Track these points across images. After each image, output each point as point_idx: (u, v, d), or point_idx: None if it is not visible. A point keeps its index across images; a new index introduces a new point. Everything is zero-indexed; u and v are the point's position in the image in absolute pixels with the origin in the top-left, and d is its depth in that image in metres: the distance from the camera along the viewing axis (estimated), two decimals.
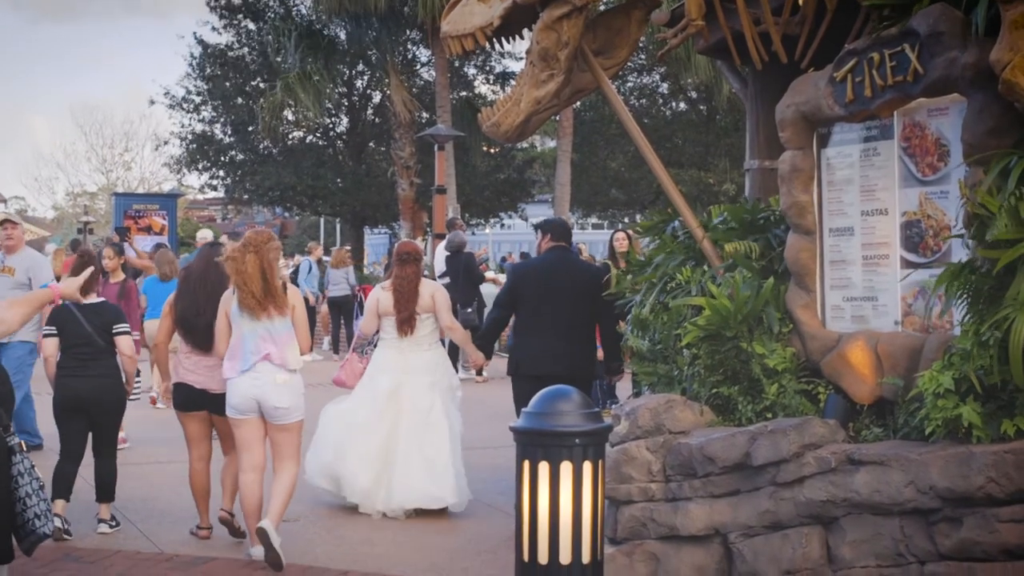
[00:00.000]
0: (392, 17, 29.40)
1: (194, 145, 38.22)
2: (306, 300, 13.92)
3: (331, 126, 38.68)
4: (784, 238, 7.30)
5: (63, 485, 8.69)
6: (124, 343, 8.94)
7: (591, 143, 37.11)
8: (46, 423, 11.62)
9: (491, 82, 37.96)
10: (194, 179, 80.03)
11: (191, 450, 8.77)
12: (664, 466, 6.83)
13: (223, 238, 18.53)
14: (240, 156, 38.42)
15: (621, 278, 8.69)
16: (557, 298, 9.30)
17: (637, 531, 6.84)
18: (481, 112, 8.39)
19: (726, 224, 7.85)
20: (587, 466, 5.05)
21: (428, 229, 29.95)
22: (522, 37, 8.21)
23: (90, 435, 8.91)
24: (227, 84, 37.15)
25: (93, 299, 8.94)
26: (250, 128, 36.58)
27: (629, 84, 36.97)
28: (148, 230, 32.76)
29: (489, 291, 19.94)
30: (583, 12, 7.61)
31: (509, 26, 7.92)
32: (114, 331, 8.90)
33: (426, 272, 10.83)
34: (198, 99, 38.06)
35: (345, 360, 10.44)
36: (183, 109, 38.23)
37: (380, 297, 9.81)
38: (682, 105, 38.13)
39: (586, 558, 5.06)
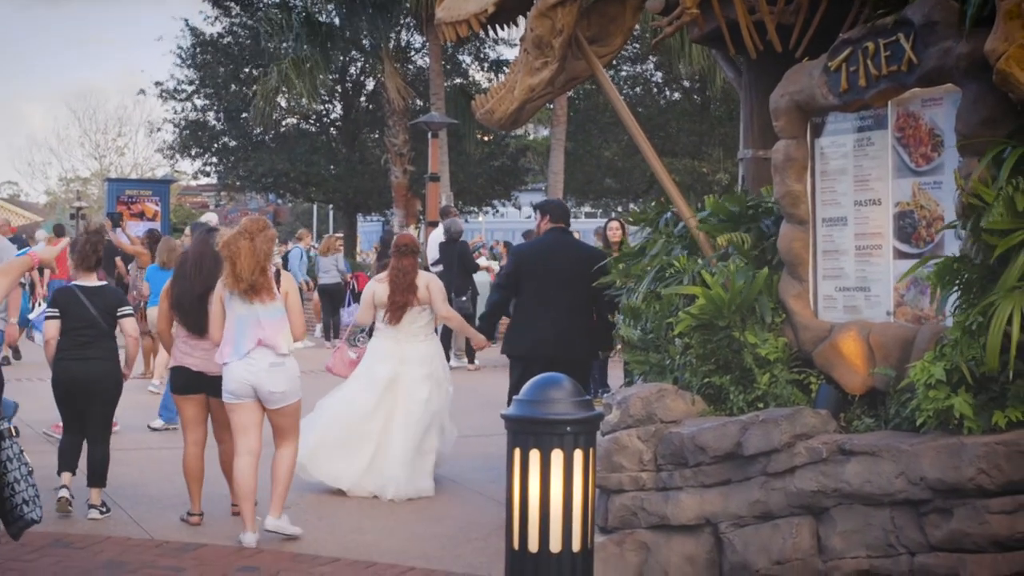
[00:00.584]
0: (386, 4, 29.34)
1: (187, 131, 38.15)
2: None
3: (324, 113, 38.61)
4: (775, 228, 7.29)
5: (69, 458, 8.81)
6: (128, 325, 9.00)
7: (585, 131, 37.06)
8: (36, 410, 11.62)
9: (485, 69, 37.91)
10: (187, 165, 79.93)
11: (186, 434, 8.79)
12: (655, 455, 6.82)
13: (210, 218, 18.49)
14: (233, 143, 38.36)
15: (613, 267, 8.69)
16: (557, 280, 9.39)
17: (628, 520, 6.84)
18: (475, 100, 8.39)
19: (716, 217, 7.83)
20: (578, 454, 5.04)
21: (421, 217, 29.93)
22: (516, 24, 8.19)
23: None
24: (220, 70, 37.05)
25: (95, 281, 8.98)
26: (243, 115, 36.52)
27: (623, 73, 36.91)
28: (141, 216, 32.73)
29: (483, 279, 19.96)
30: (578, 0, 7.59)
31: (504, 13, 7.91)
32: (118, 314, 8.96)
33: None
34: (190, 88, 37.97)
35: (337, 348, 10.57)
36: (175, 99, 38.16)
37: (376, 289, 9.94)
38: (676, 94, 38.09)
39: (576, 547, 5.05)
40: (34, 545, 7.70)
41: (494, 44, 36.76)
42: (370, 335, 10.43)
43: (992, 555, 5.63)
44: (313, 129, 38.75)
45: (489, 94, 8.18)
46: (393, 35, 33.16)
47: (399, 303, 9.75)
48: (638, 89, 37.69)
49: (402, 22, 33.53)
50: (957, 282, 5.94)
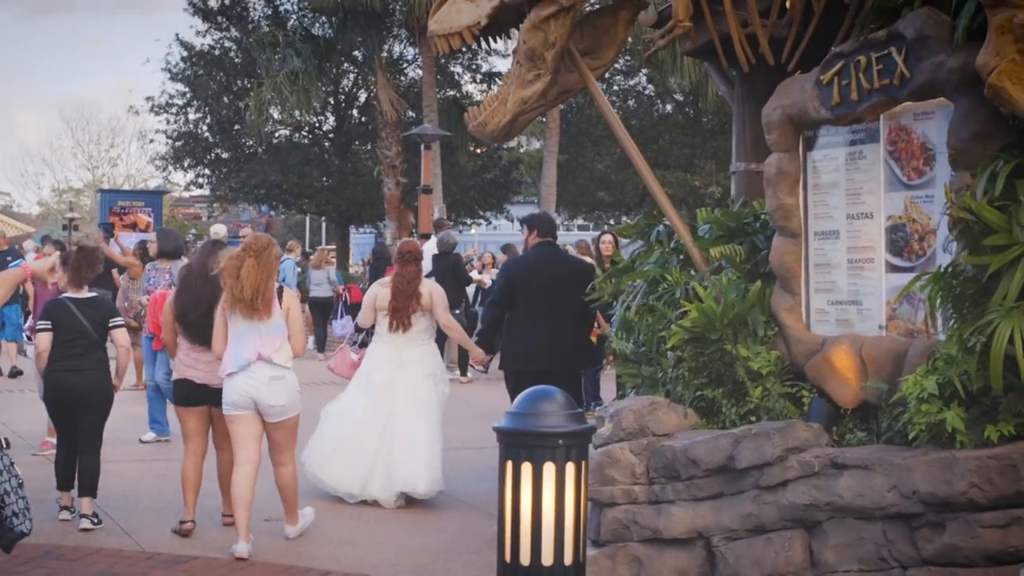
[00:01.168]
0: (379, 16, 29.35)
1: (180, 143, 38.11)
2: None
3: (317, 124, 38.59)
4: (768, 241, 7.29)
5: (67, 474, 8.91)
6: (120, 336, 9.10)
7: (578, 144, 37.07)
8: (27, 421, 11.60)
9: (478, 81, 37.93)
10: (180, 177, 79.96)
11: (187, 444, 8.86)
12: (647, 468, 6.82)
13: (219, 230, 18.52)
14: (226, 154, 38.32)
15: (605, 281, 8.71)
16: (548, 293, 9.51)
17: (620, 533, 6.83)
18: (467, 112, 8.39)
19: (711, 232, 7.84)
20: (570, 467, 5.03)
21: (414, 229, 29.90)
22: (509, 36, 8.20)
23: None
24: (211, 84, 37.02)
25: (87, 293, 9.03)
26: (236, 127, 36.50)
27: (615, 88, 36.93)
28: (133, 227, 32.66)
29: (473, 292, 19.97)
30: (570, 12, 7.60)
31: (496, 25, 7.91)
32: (110, 324, 9.05)
33: None
34: (181, 102, 37.92)
35: (339, 349, 10.81)
36: (167, 112, 38.13)
37: (379, 293, 10.11)
38: (668, 107, 38.12)
39: (568, 560, 5.04)
40: (26, 557, 7.68)
41: (487, 56, 36.80)
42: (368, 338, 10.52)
43: (984, 569, 5.62)
44: (306, 141, 38.71)
45: (482, 106, 8.18)
46: (386, 47, 33.19)
47: (401, 309, 9.88)
48: (630, 102, 37.69)
49: (395, 34, 33.56)
50: (950, 293, 5.93)
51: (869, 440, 6.41)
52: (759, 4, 7.89)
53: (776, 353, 6.98)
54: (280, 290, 8.41)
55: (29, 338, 12.76)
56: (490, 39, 8.10)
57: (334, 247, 34.00)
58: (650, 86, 37.29)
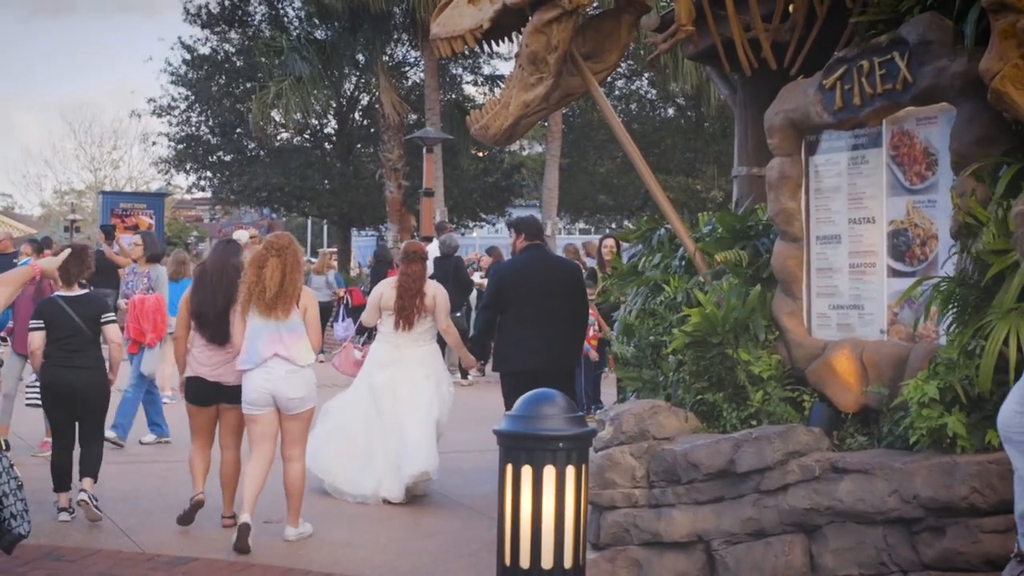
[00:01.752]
0: (381, 19, 29.34)
1: (182, 146, 38.11)
2: None
3: (319, 127, 38.57)
4: (771, 246, 7.29)
5: (64, 475, 8.95)
6: (112, 331, 9.20)
7: (580, 148, 37.05)
8: (25, 421, 11.59)
9: (480, 84, 37.90)
10: (182, 179, 79.99)
11: (195, 439, 8.96)
12: (648, 472, 6.81)
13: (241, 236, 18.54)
14: (228, 157, 38.30)
15: (610, 285, 8.76)
16: (539, 295, 9.61)
17: (620, 537, 6.82)
18: (470, 115, 8.40)
19: (715, 233, 7.84)
20: (570, 470, 5.03)
21: (416, 232, 29.89)
22: (512, 40, 8.20)
23: (76, 425, 9.10)
24: (213, 88, 37.02)
25: (78, 291, 9.10)
26: (238, 130, 36.49)
27: (617, 92, 36.92)
28: (135, 229, 32.63)
29: (476, 296, 19.96)
30: (573, 16, 7.60)
31: (499, 28, 7.91)
32: (102, 320, 9.14)
33: None
34: (183, 105, 37.93)
35: (343, 347, 10.90)
36: (169, 114, 38.12)
37: (384, 292, 10.23)
38: (670, 111, 38.11)
39: (568, 563, 5.03)
40: (25, 558, 7.67)
41: (489, 59, 36.77)
42: (371, 337, 10.62)
43: (985, 574, 5.62)
44: (308, 144, 38.67)
45: (484, 109, 8.19)
46: (388, 50, 33.18)
47: (407, 307, 10.00)
48: (632, 106, 37.68)
49: (397, 37, 33.55)
50: (953, 298, 5.93)
51: (870, 444, 6.41)
52: (762, 8, 7.89)
53: (777, 357, 6.98)
54: (299, 290, 8.53)
55: (4, 339, 12.76)
56: (492, 42, 8.11)
57: (335, 250, 33.99)
58: (652, 90, 37.28)
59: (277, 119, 33.35)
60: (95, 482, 9.01)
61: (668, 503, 6.70)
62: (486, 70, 37.36)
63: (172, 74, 37.37)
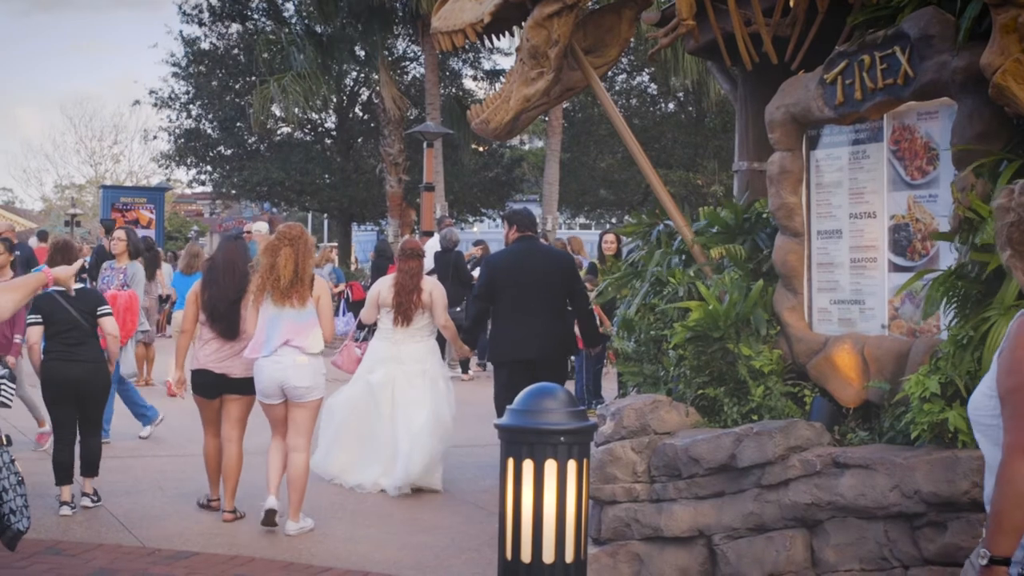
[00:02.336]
0: (382, 13, 29.33)
1: (182, 140, 38.11)
2: None
3: (319, 122, 38.56)
4: (771, 241, 7.29)
5: (67, 469, 8.98)
6: (108, 324, 9.26)
7: (580, 143, 37.07)
8: (26, 415, 11.59)
9: (480, 79, 37.91)
10: (182, 174, 79.93)
11: (207, 431, 9.11)
12: (649, 467, 6.81)
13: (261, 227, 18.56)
14: (228, 151, 38.31)
15: (607, 278, 8.76)
16: (530, 285, 9.72)
17: (621, 531, 6.83)
18: (470, 109, 8.40)
19: (712, 228, 7.84)
20: (572, 465, 5.02)
21: (416, 226, 29.89)
22: (512, 34, 8.20)
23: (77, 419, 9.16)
24: (213, 83, 37.01)
25: (75, 285, 9.13)
26: (238, 124, 36.49)
27: (618, 87, 36.90)
28: (135, 223, 32.67)
29: None
30: (574, 10, 7.59)
31: (499, 23, 7.91)
32: (98, 313, 9.20)
33: None
34: (184, 97, 37.94)
35: (344, 346, 10.91)
36: (170, 107, 38.13)
37: (382, 289, 10.35)
38: (671, 106, 38.10)
39: (569, 557, 5.03)
40: (27, 552, 7.67)
41: (490, 53, 36.76)
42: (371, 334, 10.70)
43: None
44: (308, 138, 38.67)
45: (485, 104, 8.19)
46: (389, 45, 33.16)
47: (404, 304, 10.10)
48: (633, 101, 37.68)
49: (397, 32, 33.53)
50: (954, 293, 5.93)
51: (871, 439, 6.41)
52: (763, 3, 7.88)
53: (778, 352, 6.98)
54: (311, 278, 8.63)
55: None
56: (493, 37, 8.10)
57: (336, 244, 34.00)
58: (653, 85, 37.27)
59: (278, 113, 33.34)
60: (95, 477, 9.07)
61: (669, 498, 6.70)
62: (486, 65, 37.41)
63: (175, 65, 37.39)
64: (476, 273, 21.34)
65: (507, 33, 8.17)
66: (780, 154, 7.08)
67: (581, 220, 50.58)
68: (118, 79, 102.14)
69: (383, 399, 10.11)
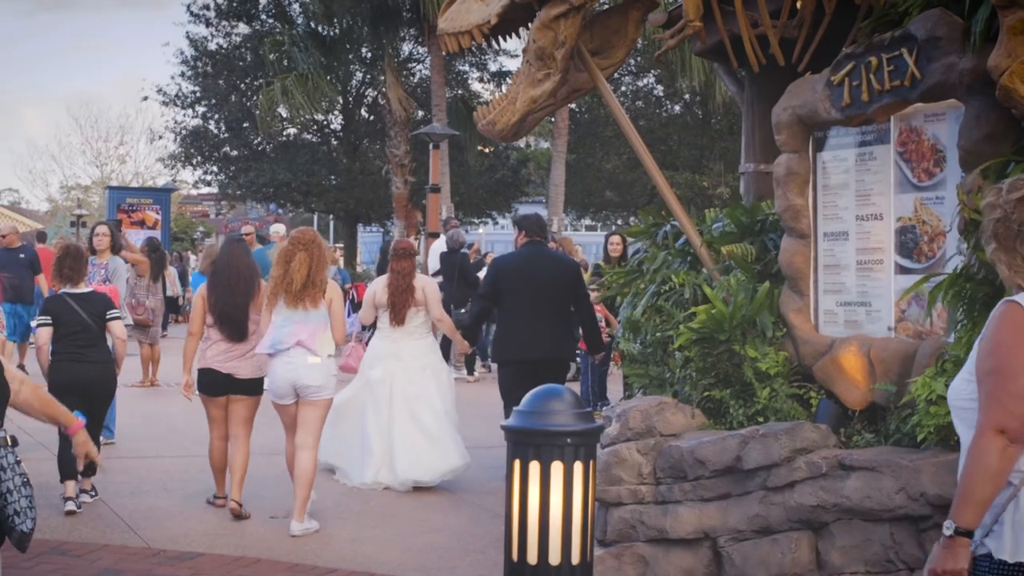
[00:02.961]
0: (388, 15, 29.35)
1: (188, 140, 38.15)
2: None
3: (326, 123, 38.59)
4: (779, 242, 7.28)
5: (71, 465, 8.93)
6: (117, 327, 9.37)
7: (586, 144, 37.07)
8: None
9: (486, 81, 37.93)
10: (188, 174, 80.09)
11: (212, 430, 9.21)
12: (654, 469, 6.80)
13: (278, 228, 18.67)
14: (234, 152, 38.36)
15: (612, 280, 8.79)
16: (536, 289, 9.82)
17: (626, 533, 6.82)
18: (477, 111, 8.40)
19: (723, 228, 7.83)
20: (578, 466, 5.01)
21: (422, 227, 29.89)
22: (519, 35, 8.19)
23: None
24: (220, 83, 37.05)
25: (83, 288, 9.32)
26: (244, 124, 36.52)
27: (624, 88, 36.89)
28: (141, 224, 32.72)
29: None
30: (580, 11, 7.59)
31: (506, 24, 7.91)
32: (107, 316, 9.29)
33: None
34: (191, 96, 37.98)
35: (350, 348, 10.99)
36: (176, 105, 38.17)
37: (377, 290, 10.56)
38: (677, 108, 38.09)
39: (575, 559, 5.02)
40: (32, 553, 7.64)
41: (496, 55, 36.79)
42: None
43: None
44: (314, 139, 38.73)
45: (491, 105, 8.19)
46: (395, 46, 33.18)
47: (398, 304, 10.31)
48: (639, 102, 37.67)
49: (404, 33, 33.55)
50: (960, 295, 5.91)
51: (877, 442, 6.40)
52: (770, 4, 7.88)
53: (784, 354, 6.97)
54: (324, 283, 8.72)
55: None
56: (500, 38, 8.11)
57: (341, 245, 34.02)
58: (659, 86, 37.27)
59: (284, 114, 33.39)
60: (93, 475, 9.13)
61: (675, 500, 6.69)
62: (493, 67, 37.45)
63: (183, 63, 37.44)
64: (482, 275, 21.45)
65: (513, 34, 8.17)
66: (787, 156, 7.07)
67: (587, 221, 50.58)
68: (124, 80, 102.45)
69: (381, 395, 10.32)
